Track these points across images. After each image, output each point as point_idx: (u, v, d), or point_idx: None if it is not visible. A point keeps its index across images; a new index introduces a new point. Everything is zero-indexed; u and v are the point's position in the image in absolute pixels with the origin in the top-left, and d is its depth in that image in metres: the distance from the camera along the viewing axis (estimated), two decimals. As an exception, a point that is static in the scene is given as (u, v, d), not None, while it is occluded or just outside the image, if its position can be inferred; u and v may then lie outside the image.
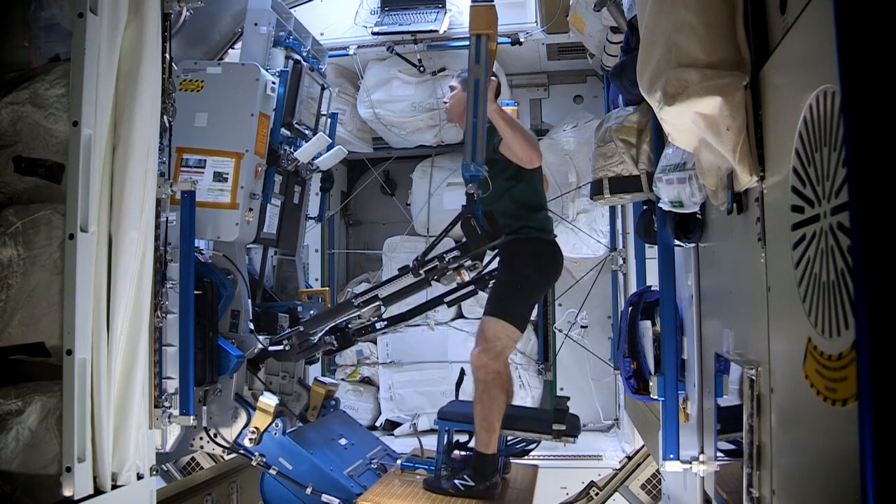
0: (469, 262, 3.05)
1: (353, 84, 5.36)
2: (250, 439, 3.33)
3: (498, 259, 3.43)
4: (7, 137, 2.20)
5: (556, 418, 3.32)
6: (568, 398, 3.41)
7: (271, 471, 3.33)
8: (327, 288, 4.58)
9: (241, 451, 3.38)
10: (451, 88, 3.58)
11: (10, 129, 2.19)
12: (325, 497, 3.26)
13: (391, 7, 4.99)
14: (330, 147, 4.04)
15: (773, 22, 1.52)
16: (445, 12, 4.89)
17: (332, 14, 5.06)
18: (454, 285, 3.36)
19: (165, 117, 2.46)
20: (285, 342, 3.45)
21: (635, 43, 2.58)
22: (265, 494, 3.48)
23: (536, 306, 4.90)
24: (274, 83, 3.57)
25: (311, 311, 3.82)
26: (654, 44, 1.76)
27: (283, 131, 3.74)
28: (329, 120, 4.25)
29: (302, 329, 3.42)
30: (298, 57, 3.87)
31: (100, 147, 2.10)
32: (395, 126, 5.20)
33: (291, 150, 3.79)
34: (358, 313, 3.39)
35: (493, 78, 3.13)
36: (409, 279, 3.17)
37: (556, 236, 3.54)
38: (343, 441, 3.73)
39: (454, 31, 4.95)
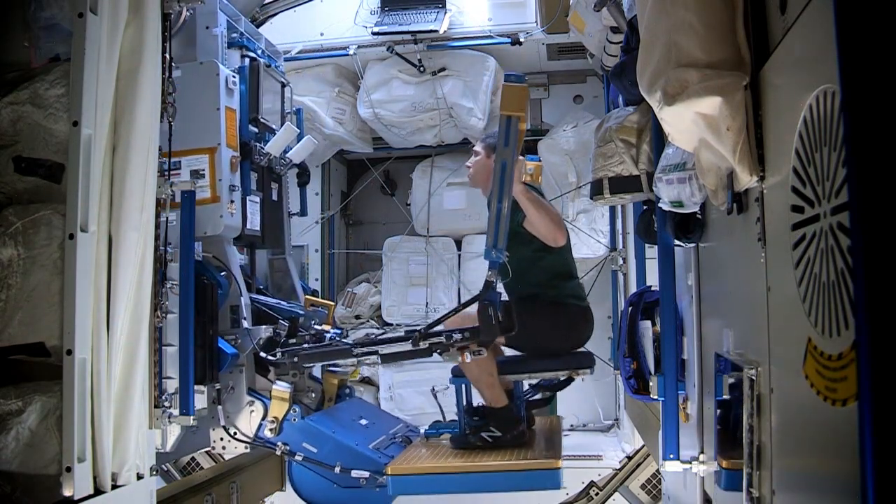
0: (475, 347, 3.05)
1: (353, 84, 5.35)
2: (270, 430, 3.33)
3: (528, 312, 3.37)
4: (7, 137, 2.20)
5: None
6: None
7: (297, 457, 3.33)
8: (332, 303, 4.58)
9: (264, 443, 3.38)
10: (475, 153, 3.57)
11: (10, 129, 2.19)
12: (354, 473, 3.26)
13: (391, 7, 4.98)
14: (300, 139, 4.09)
15: (773, 22, 1.52)
16: (445, 12, 4.89)
17: (332, 14, 5.06)
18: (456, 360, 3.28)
19: (166, 117, 2.46)
20: (280, 356, 3.46)
21: (635, 43, 2.58)
22: (296, 484, 3.48)
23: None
24: (234, 77, 3.64)
25: (313, 321, 3.82)
26: (654, 44, 1.76)
27: (251, 128, 3.80)
28: (295, 116, 4.32)
29: (296, 360, 3.42)
30: (253, 54, 3.93)
31: (100, 147, 2.10)
32: (395, 126, 5.20)
33: (261, 145, 3.85)
34: (354, 361, 3.39)
35: (519, 157, 3.11)
36: (410, 345, 3.15)
37: (588, 304, 3.56)
38: (364, 421, 3.74)
39: (454, 31, 4.95)
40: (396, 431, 3.77)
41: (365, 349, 3.30)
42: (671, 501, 2.90)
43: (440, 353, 3.11)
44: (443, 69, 5.00)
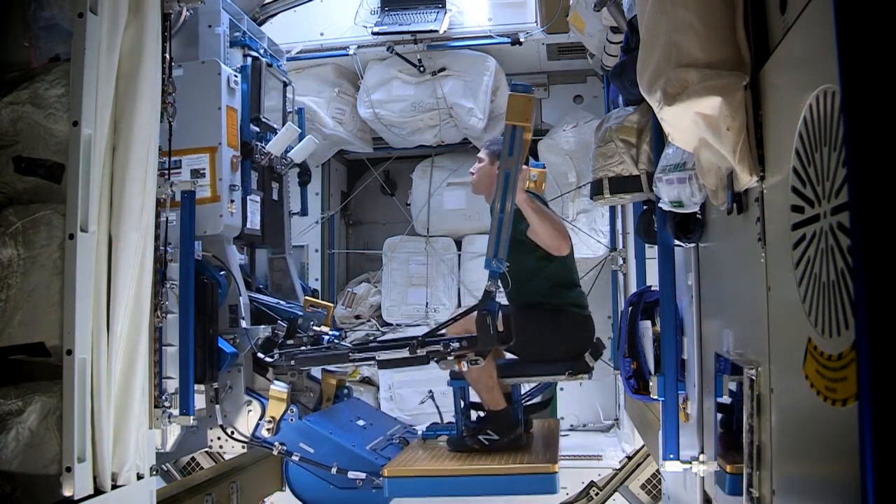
0: (472, 357, 3.03)
1: (353, 84, 5.36)
2: (268, 429, 3.34)
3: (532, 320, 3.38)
4: (7, 137, 2.20)
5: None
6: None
7: (294, 457, 3.33)
8: (332, 304, 4.58)
9: (261, 443, 3.38)
10: (479, 160, 3.55)
11: (10, 129, 2.19)
12: (351, 474, 3.27)
13: (391, 7, 4.99)
14: (301, 138, 4.11)
15: (773, 22, 1.52)
16: (445, 12, 4.89)
17: (332, 14, 5.07)
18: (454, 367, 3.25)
19: (166, 117, 2.46)
20: (277, 358, 3.45)
21: (635, 43, 2.58)
22: (292, 484, 3.49)
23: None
24: (236, 76, 3.65)
25: (312, 322, 3.83)
26: (654, 44, 1.76)
27: (253, 127, 3.81)
28: (297, 115, 4.33)
29: (294, 363, 3.41)
30: (256, 54, 3.93)
31: (100, 147, 2.10)
32: (395, 126, 5.20)
33: (262, 144, 3.86)
34: (352, 367, 3.38)
35: (523, 166, 3.09)
36: (408, 352, 3.13)
37: (589, 312, 3.56)
38: (361, 422, 3.74)
39: (454, 31, 4.95)
40: (394, 432, 3.77)
41: (362, 354, 3.29)
42: (671, 501, 2.90)
43: (437, 361, 3.09)
44: (443, 69, 5.01)
